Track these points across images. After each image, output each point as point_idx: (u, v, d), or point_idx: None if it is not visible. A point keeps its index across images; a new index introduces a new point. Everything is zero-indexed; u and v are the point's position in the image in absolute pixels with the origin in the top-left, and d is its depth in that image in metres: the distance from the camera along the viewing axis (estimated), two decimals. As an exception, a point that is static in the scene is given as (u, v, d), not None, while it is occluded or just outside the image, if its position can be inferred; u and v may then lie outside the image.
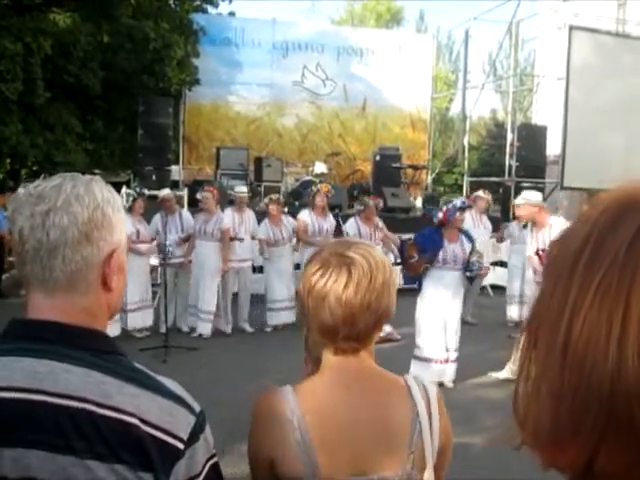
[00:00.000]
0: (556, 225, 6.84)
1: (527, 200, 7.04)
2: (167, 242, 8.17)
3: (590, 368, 0.53)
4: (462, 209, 6.70)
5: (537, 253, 6.85)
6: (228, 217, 8.93)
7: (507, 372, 6.90)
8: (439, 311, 6.55)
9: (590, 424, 0.53)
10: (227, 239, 8.66)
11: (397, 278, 7.55)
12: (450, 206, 6.67)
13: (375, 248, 1.56)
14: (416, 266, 6.54)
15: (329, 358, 1.52)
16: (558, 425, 0.56)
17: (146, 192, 9.19)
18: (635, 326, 0.52)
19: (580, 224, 0.59)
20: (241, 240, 8.98)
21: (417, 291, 6.79)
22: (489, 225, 10.38)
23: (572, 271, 0.56)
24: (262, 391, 1.55)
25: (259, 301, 9.24)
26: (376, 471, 1.46)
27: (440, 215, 6.64)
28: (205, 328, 8.69)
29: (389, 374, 1.57)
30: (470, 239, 6.75)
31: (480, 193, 10.58)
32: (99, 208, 1.15)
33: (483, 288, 11.56)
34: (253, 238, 9.22)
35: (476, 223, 9.95)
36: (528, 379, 0.60)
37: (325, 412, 1.47)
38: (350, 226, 8.86)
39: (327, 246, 1.56)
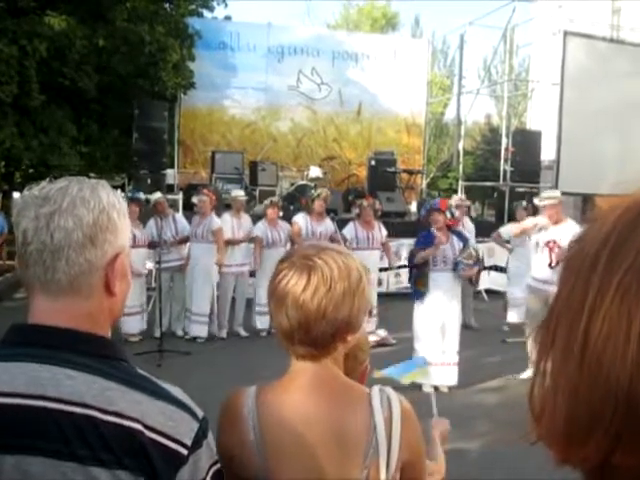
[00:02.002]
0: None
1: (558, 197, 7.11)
2: (163, 238, 8.24)
3: (609, 365, 0.53)
4: (433, 210, 6.68)
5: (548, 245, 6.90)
6: (226, 222, 8.94)
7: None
8: (435, 314, 6.57)
9: (608, 420, 0.53)
10: (220, 240, 8.65)
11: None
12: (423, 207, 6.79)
13: (349, 255, 1.50)
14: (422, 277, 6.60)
15: (293, 362, 1.50)
16: (575, 421, 0.56)
17: (142, 196, 9.18)
18: None
19: (598, 225, 0.59)
20: (246, 241, 9.03)
21: (413, 295, 6.81)
22: (471, 227, 10.13)
23: (591, 271, 0.57)
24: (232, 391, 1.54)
25: (254, 305, 9.22)
26: None
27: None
28: (199, 330, 8.67)
29: (353, 384, 1.53)
30: (462, 239, 6.78)
31: (454, 198, 10.49)
32: (104, 212, 1.14)
33: (478, 293, 11.57)
34: (251, 241, 9.23)
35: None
36: (545, 376, 0.60)
37: (280, 417, 1.45)
38: (348, 230, 8.90)
39: (299, 249, 1.53)
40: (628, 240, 0.56)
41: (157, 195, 9.14)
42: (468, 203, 11.08)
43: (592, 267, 0.57)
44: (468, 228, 9.91)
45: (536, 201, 7.51)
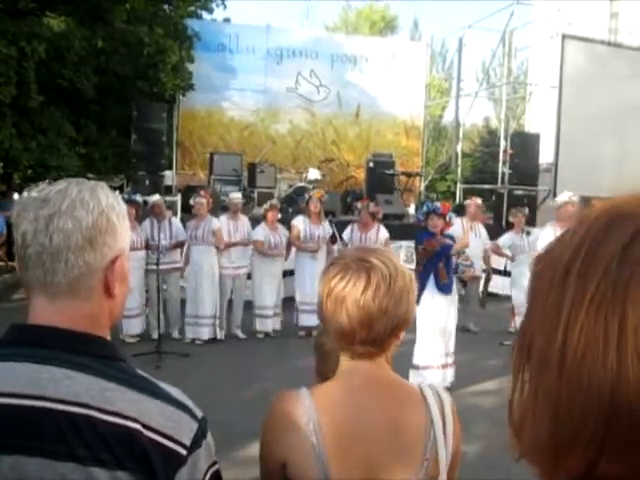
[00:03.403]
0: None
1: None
2: (160, 243, 8.20)
3: (588, 377, 0.53)
4: (433, 214, 6.65)
5: None
6: (222, 224, 8.92)
7: None
8: (433, 317, 6.58)
9: (590, 432, 0.53)
10: (221, 239, 8.66)
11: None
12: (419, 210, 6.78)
13: (397, 256, 1.57)
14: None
15: (346, 363, 1.53)
16: (556, 435, 0.56)
17: (139, 198, 9.15)
18: (633, 334, 0.52)
19: (570, 235, 0.59)
20: (246, 244, 9.00)
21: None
22: (483, 233, 9.84)
23: (564, 282, 0.57)
24: (278, 392, 1.54)
25: (250, 307, 9.21)
26: (388, 478, 1.46)
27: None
28: (207, 333, 8.66)
29: (404, 381, 1.59)
30: (454, 242, 6.80)
31: (469, 200, 10.40)
32: (104, 214, 1.14)
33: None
34: (246, 245, 9.20)
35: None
36: (523, 390, 0.60)
37: (340, 417, 1.47)
38: (345, 234, 8.94)
39: (348, 252, 1.58)
40: (599, 250, 0.55)
41: (155, 197, 9.12)
42: (483, 208, 10.65)
43: (564, 278, 0.57)
44: (482, 233, 9.78)
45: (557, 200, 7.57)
